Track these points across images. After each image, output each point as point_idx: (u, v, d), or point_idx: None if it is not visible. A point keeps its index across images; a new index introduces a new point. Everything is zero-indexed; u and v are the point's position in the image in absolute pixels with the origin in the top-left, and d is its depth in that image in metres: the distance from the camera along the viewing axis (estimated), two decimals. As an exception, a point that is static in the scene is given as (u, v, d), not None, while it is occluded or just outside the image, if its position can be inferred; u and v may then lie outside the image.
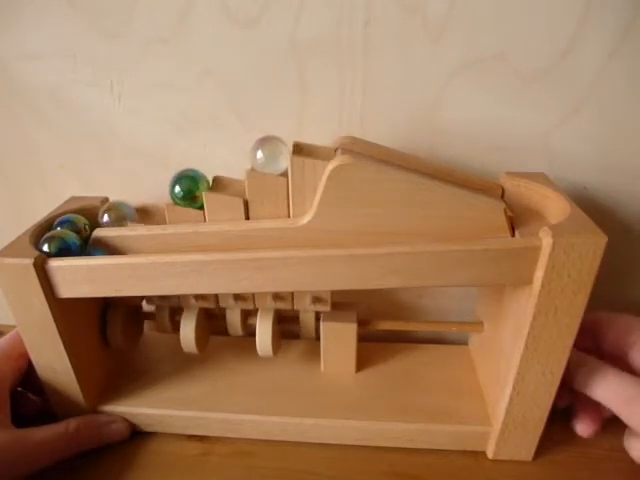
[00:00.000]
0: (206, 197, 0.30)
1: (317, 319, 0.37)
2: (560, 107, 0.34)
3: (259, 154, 0.29)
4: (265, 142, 0.29)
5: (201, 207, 0.30)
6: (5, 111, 0.38)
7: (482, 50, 0.32)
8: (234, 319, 0.36)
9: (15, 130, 0.39)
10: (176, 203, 0.31)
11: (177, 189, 0.31)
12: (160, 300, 0.36)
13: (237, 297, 0.35)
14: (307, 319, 0.36)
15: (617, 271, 0.39)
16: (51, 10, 0.34)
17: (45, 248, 0.30)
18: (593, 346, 0.33)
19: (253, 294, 0.35)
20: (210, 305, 0.35)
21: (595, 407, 0.32)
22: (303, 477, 0.33)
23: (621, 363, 0.31)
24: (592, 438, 0.34)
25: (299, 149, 0.30)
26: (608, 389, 0.29)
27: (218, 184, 0.31)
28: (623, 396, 0.29)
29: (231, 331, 0.37)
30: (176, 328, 0.36)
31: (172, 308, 0.37)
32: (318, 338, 0.37)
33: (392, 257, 0.28)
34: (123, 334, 0.37)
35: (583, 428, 0.33)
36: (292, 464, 0.34)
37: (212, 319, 0.38)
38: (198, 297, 0.35)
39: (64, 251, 0.31)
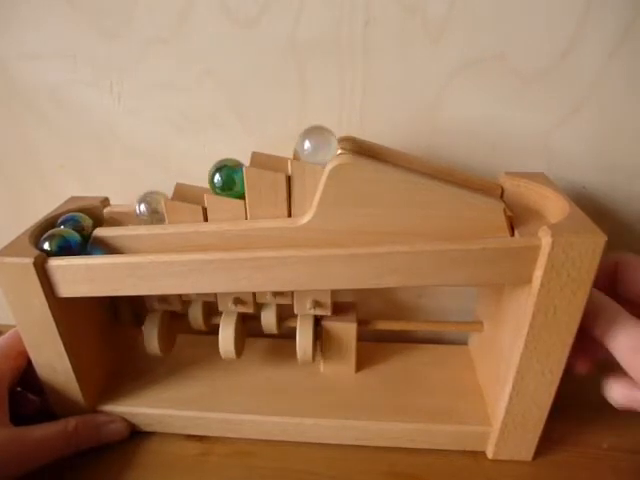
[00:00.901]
0: (206, 197, 0.30)
1: (316, 321, 0.37)
2: (560, 107, 0.34)
3: (307, 144, 0.29)
4: (312, 133, 0.29)
5: (241, 196, 0.30)
6: (5, 111, 0.38)
7: (482, 50, 0.32)
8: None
9: (15, 130, 0.39)
10: (216, 193, 0.30)
11: (217, 178, 0.30)
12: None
13: (237, 301, 0.35)
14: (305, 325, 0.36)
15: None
16: (51, 10, 0.34)
17: (46, 246, 0.30)
18: (614, 287, 0.31)
19: (253, 293, 0.35)
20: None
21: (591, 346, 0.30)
22: (303, 477, 0.33)
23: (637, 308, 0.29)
24: (591, 437, 0.34)
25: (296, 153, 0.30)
26: (620, 335, 0.27)
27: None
28: (629, 341, 0.27)
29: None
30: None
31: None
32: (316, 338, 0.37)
33: (391, 256, 0.28)
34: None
35: (579, 366, 0.31)
36: (292, 464, 0.34)
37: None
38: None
39: (65, 249, 0.31)
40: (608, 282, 0.31)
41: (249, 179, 0.29)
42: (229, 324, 0.35)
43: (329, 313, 0.35)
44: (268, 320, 0.36)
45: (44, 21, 0.34)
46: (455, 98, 0.34)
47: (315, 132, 0.29)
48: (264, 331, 0.37)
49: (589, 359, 0.31)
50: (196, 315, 0.36)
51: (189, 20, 0.33)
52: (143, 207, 0.32)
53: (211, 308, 0.37)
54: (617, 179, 0.36)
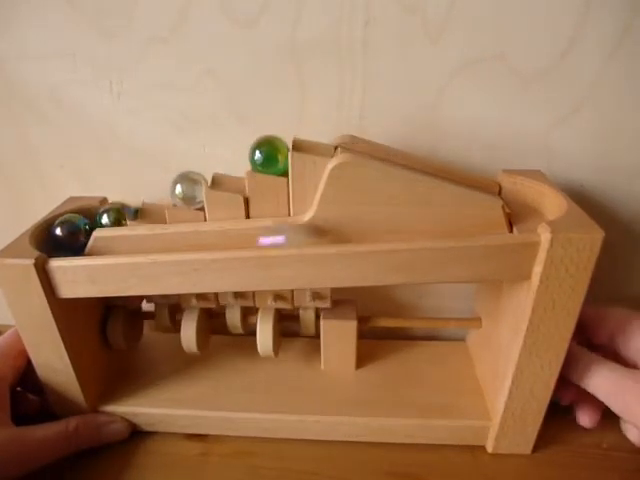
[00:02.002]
0: (206, 195, 0.30)
1: (317, 317, 0.37)
2: (559, 107, 0.34)
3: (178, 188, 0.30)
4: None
5: (284, 173, 0.29)
6: (5, 111, 0.38)
7: (482, 50, 0.33)
8: (234, 318, 0.36)
9: (14, 130, 0.38)
10: (258, 170, 0.30)
11: (257, 155, 0.29)
12: (160, 299, 0.36)
13: (238, 295, 0.35)
14: (307, 317, 0.37)
15: (615, 269, 0.40)
16: (50, 10, 0.34)
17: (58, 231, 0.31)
18: (584, 340, 0.33)
19: (253, 292, 0.35)
20: (210, 305, 0.35)
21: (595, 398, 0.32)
22: (303, 477, 0.33)
23: (614, 357, 0.31)
24: (591, 437, 0.34)
25: (299, 146, 0.30)
26: (599, 381, 0.30)
27: (218, 182, 0.31)
28: (610, 385, 0.29)
29: (231, 329, 0.37)
30: (177, 327, 0.36)
31: (172, 307, 0.37)
32: (318, 336, 0.37)
33: (392, 254, 0.28)
34: (124, 334, 0.36)
35: (585, 419, 0.33)
36: (292, 463, 0.34)
37: (212, 318, 0.38)
38: (199, 297, 0.35)
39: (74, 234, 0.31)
40: (580, 336, 0.33)
41: (251, 182, 0.29)
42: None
43: (329, 305, 0.36)
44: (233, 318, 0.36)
45: (44, 21, 0.34)
46: (455, 98, 0.34)
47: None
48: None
49: (573, 394, 0.33)
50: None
51: (189, 20, 0.33)
52: (179, 189, 0.31)
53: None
54: (616, 179, 0.36)
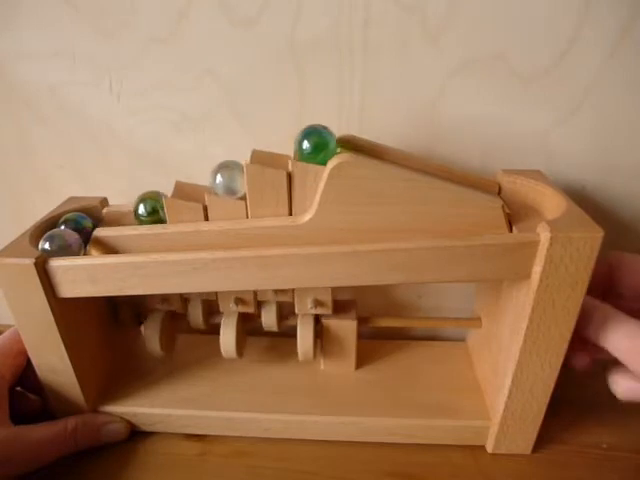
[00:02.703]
0: (206, 196, 0.30)
1: (316, 319, 0.37)
2: (559, 107, 0.34)
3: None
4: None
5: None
6: (4, 111, 0.38)
7: (481, 50, 0.33)
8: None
9: (14, 130, 0.38)
10: (305, 160, 0.29)
11: (305, 144, 0.29)
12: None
13: (238, 301, 0.35)
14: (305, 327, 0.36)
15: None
16: (49, 10, 0.34)
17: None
18: (609, 287, 0.32)
19: (254, 292, 0.35)
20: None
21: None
22: (303, 477, 0.33)
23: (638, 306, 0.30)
24: (591, 437, 0.34)
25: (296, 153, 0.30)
26: (616, 336, 0.28)
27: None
28: (627, 340, 0.27)
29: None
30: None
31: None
32: (317, 336, 0.37)
33: (392, 253, 0.28)
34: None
35: (578, 360, 0.32)
36: (292, 464, 0.34)
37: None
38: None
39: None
40: (603, 283, 0.31)
41: (250, 176, 0.29)
42: (230, 325, 0.35)
43: (330, 312, 0.36)
44: (269, 318, 0.36)
45: (43, 21, 0.34)
46: (454, 98, 0.34)
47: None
48: (264, 329, 0.37)
49: (588, 355, 0.32)
50: (196, 314, 0.36)
51: (188, 20, 0.33)
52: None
53: (211, 307, 0.37)
54: (616, 179, 0.37)
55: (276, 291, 0.35)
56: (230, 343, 0.35)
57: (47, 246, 0.30)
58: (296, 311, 0.36)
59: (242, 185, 0.30)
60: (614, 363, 0.29)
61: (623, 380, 0.29)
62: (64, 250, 0.30)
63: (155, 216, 0.31)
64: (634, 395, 0.29)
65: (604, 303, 0.29)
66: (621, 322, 0.28)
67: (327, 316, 0.37)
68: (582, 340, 0.30)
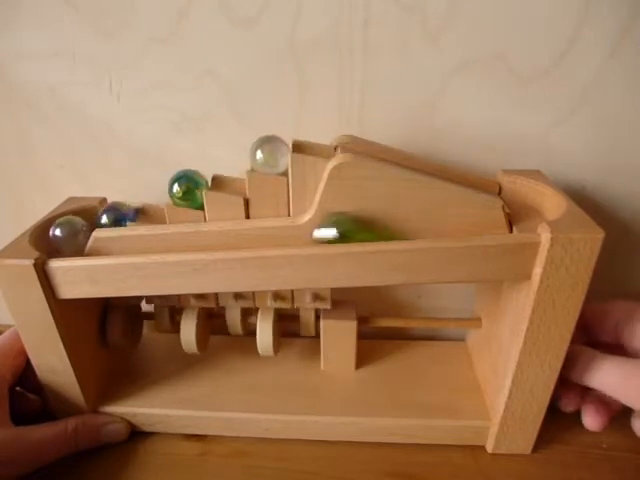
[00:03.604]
0: (206, 196, 0.30)
1: (317, 317, 0.37)
2: (559, 107, 0.34)
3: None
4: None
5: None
6: (4, 111, 0.38)
7: (481, 50, 0.33)
8: (234, 318, 0.36)
9: (14, 130, 0.38)
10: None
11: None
12: (160, 300, 0.36)
13: (237, 296, 0.35)
14: (307, 317, 0.37)
15: (614, 269, 0.40)
16: (50, 10, 0.34)
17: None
18: (588, 339, 0.33)
19: (253, 292, 0.35)
20: (210, 304, 0.35)
21: (602, 400, 0.32)
22: (303, 477, 0.33)
23: (621, 351, 0.31)
24: (591, 437, 0.34)
25: (298, 147, 0.30)
26: (604, 374, 0.29)
27: (218, 183, 0.31)
28: (618, 376, 0.29)
29: (231, 330, 0.37)
30: (176, 328, 0.36)
31: (172, 307, 0.37)
32: (318, 336, 0.37)
33: (392, 254, 0.28)
34: (123, 334, 0.36)
35: (591, 421, 0.32)
36: (291, 464, 0.34)
37: (212, 318, 0.38)
38: (198, 297, 0.35)
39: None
40: (584, 335, 0.33)
41: (251, 182, 0.29)
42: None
43: (329, 306, 0.36)
44: (233, 319, 0.36)
45: (43, 21, 0.34)
46: (454, 98, 0.34)
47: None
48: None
49: (576, 398, 0.33)
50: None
51: (188, 20, 0.33)
52: (260, 154, 0.29)
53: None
54: (616, 179, 0.36)
55: (275, 296, 0.35)
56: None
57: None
58: (295, 306, 0.36)
59: (285, 160, 0.29)
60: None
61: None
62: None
63: (190, 199, 0.30)
64: None
65: (587, 347, 0.31)
66: (606, 360, 0.29)
67: (327, 316, 0.37)
68: (569, 384, 0.31)
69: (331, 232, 0.28)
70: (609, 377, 0.29)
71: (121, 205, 0.33)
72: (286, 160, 0.29)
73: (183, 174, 0.31)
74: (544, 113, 0.35)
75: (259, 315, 0.36)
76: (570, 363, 0.30)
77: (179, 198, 0.30)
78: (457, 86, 0.34)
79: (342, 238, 0.28)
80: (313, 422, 0.35)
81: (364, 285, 0.29)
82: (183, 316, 0.36)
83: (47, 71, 0.36)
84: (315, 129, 0.36)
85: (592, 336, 0.33)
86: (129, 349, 0.39)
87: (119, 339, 0.36)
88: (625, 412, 0.35)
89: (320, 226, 0.29)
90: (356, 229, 0.28)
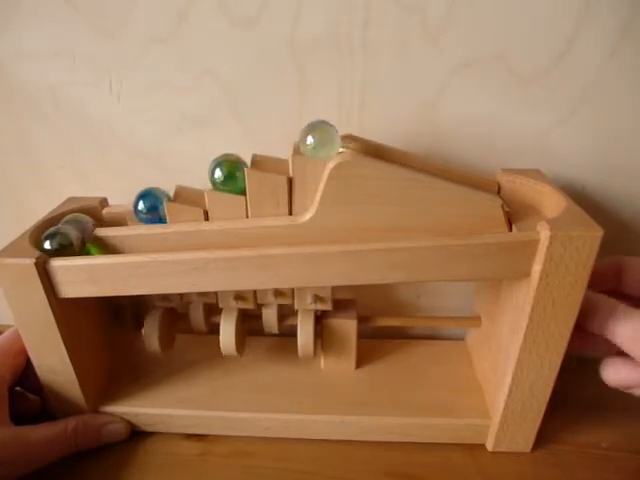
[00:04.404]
0: (206, 196, 0.30)
1: (316, 317, 0.37)
2: (559, 107, 0.34)
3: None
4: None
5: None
6: (4, 111, 0.38)
7: (481, 50, 0.33)
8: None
9: (14, 130, 0.38)
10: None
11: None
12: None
13: (277, 293, 0.35)
14: (305, 318, 0.36)
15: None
16: (49, 9, 0.34)
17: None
18: (613, 289, 0.31)
19: (254, 292, 0.35)
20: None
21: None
22: (303, 477, 0.33)
23: None
24: (590, 436, 0.34)
25: (299, 149, 0.30)
26: (622, 325, 0.28)
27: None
28: (633, 330, 0.27)
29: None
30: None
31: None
32: (317, 335, 0.38)
33: (393, 252, 0.28)
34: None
35: (610, 372, 0.30)
36: (291, 464, 0.34)
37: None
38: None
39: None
40: (609, 284, 0.32)
41: (250, 181, 0.29)
42: (230, 320, 0.35)
43: (330, 308, 0.36)
44: (269, 319, 0.36)
45: (42, 21, 0.34)
46: (454, 97, 0.35)
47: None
48: (265, 330, 0.37)
49: (583, 343, 0.31)
50: (197, 316, 0.36)
51: (188, 20, 0.33)
52: (311, 138, 0.28)
53: (211, 308, 0.37)
54: (616, 179, 0.37)
55: (276, 294, 0.35)
56: (230, 339, 0.35)
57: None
58: (295, 307, 0.36)
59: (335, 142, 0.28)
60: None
61: (615, 366, 0.29)
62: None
63: (232, 183, 0.30)
64: (626, 382, 0.29)
65: (608, 297, 0.29)
66: (628, 314, 0.28)
67: (327, 315, 0.37)
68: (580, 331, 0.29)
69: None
70: (627, 331, 0.27)
71: (157, 190, 0.32)
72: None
73: (224, 159, 0.30)
74: (544, 113, 0.35)
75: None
76: (589, 312, 0.29)
77: (221, 183, 0.30)
78: (457, 86, 0.34)
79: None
80: (313, 421, 0.35)
81: (364, 283, 0.29)
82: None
83: (47, 71, 0.36)
84: (315, 129, 0.36)
85: (613, 287, 0.32)
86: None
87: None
88: (625, 411, 0.36)
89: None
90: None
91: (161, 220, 0.31)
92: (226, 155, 0.30)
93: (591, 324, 0.29)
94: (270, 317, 0.36)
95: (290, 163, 0.28)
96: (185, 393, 0.37)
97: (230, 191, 0.30)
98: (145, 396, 0.37)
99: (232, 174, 0.30)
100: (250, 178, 0.29)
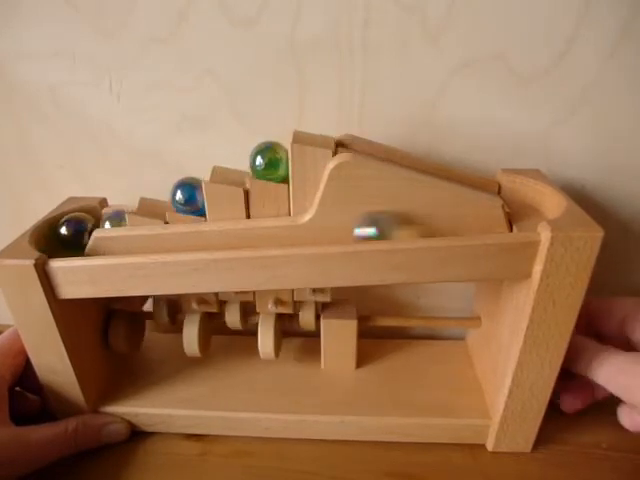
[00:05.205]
0: (206, 188, 0.30)
1: (317, 316, 0.37)
2: (559, 107, 0.34)
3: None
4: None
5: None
6: (4, 111, 0.38)
7: (481, 50, 0.33)
8: (234, 316, 0.36)
9: (14, 130, 0.38)
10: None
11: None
12: (159, 296, 0.36)
13: (238, 292, 0.35)
14: (307, 315, 0.37)
15: (614, 268, 0.40)
16: (49, 9, 0.34)
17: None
18: (592, 332, 0.33)
19: (254, 293, 0.35)
20: (212, 309, 0.36)
21: (583, 387, 0.32)
22: (302, 477, 0.33)
23: (625, 347, 0.30)
24: (591, 436, 0.35)
25: (298, 138, 0.29)
26: (609, 369, 0.29)
27: (217, 175, 0.31)
28: (620, 373, 0.29)
29: (231, 326, 0.37)
30: (176, 327, 0.36)
31: (171, 306, 0.37)
32: (318, 335, 0.37)
33: (393, 253, 0.28)
34: (126, 338, 0.36)
35: (568, 404, 0.33)
36: (291, 464, 0.34)
37: (212, 318, 0.38)
38: (200, 301, 0.35)
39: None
40: (589, 328, 0.33)
41: (251, 181, 0.29)
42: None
43: (329, 299, 0.36)
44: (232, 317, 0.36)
45: (42, 20, 0.34)
46: (454, 97, 0.34)
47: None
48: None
49: (578, 399, 0.33)
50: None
51: (188, 20, 0.33)
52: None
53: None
54: (616, 179, 0.37)
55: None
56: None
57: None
58: (294, 298, 0.36)
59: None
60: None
61: (624, 413, 0.31)
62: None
63: (272, 172, 0.29)
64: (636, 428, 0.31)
65: (592, 340, 0.31)
66: (612, 356, 0.29)
67: (327, 315, 0.37)
68: (571, 381, 0.31)
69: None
70: (614, 375, 0.29)
71: (195, 180, 0.31)
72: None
73: (265, 146, 0.30)
74: (544, 113, 0.35)
75: (260, 319, 0.36)
76: (575, 355, 0.30)
77: (263, 169, 0.29)
78: (457, 86, 0.34)
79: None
80: (313, 421, 0.35)
81: (364, 284, 0.29)
82: (185, 320, 0.36)
83: (47, 71, 0.36)
84: (315, 129, 0.35)
85: (597, 329, 0.33)
86: (132, 353, 0.39)
87: (122, 343, 0.36)
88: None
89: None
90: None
91: (201, 211, 0.31)
92: (267, 142, 0.30)
93: (579, 367, 0.30)
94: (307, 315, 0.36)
95: (290, 156, 0.28)
96: (185, 393, 0.37)
97: (271, 179, 0.29)
98: (145, 396, 0.37)
99: (274, 161, 0.29)
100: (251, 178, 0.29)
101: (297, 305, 0.37)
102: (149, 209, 0.32)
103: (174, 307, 0.37)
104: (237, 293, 0.35)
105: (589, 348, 0.30)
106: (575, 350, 0.30)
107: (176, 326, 0.37)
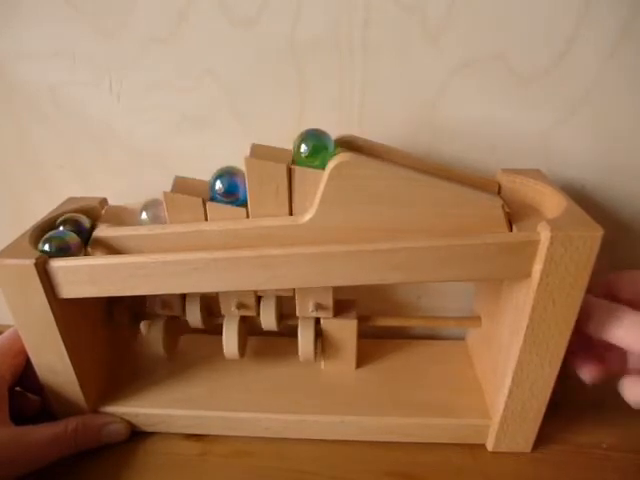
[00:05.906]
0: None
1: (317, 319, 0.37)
2: (559, 107, 0.34)
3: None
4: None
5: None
6: (4, 111, 0.38)
7: (481, 50, 0.33)
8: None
9: (14, 130, 0.38)
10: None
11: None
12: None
13: (240, 305, 0.35)
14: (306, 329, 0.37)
15: (615, 269, 0.40)
16: (49, 9, 0.34)
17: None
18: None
19: (255, 293, 0.35)
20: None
21: (600, 355, 0.31)
22: (302, 477, 0.33)
23: None
24: (591, 436, 0.34)
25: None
26: (623, 327, 0.28)
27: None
28: (635, 331, 0.27)
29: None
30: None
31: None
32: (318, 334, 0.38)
33: (393, 253, 0.28)
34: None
35: (587, 372, 0.31)
36: (291, 464, 0.34)
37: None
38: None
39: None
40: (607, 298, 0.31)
41: (250, 170, 0.29)
42: (232, 326, 0.35)
43: (331, 316, 0.36)
44: (268, 317, 0.36)
45: (42, 21, 0.34)
46: (454, 97, 0.35)
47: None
48: (264, 328, 0.37)
49: (597, 367, 0.31)
50: (195, 314, 0.36)
51: (188, 20, 0.33)
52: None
53: (210, 306, 0.37)
54: (616, 179, 0.37)
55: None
56: (232, 344, 0.35)
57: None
58: (297, 314, 0.36)
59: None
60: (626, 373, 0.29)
61: (635, 386, 0.29)
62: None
63: (316, 159, 0.29)
64: None
65: (606, 300, 0.29)
66: (624, 313, 0.28)
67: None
68: (588, 348, 0.30)
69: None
70: (629, 333, 0.28)
71: (236, 169, 0.31)
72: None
73: (308, 134, 0.29)
74: (544, 113, 0.35)
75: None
76: (589, 316, 0.29)
77: (306, 157, 0.29)
78: (457, 86, 0.34)
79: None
80: (313, 421, 0.35)
81: (365, 284, 0.29)
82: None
83: (47, 71, 0.36)
84: (315, 129, 0.36)
85: (614, 295, 0.31)
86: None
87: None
88: (625, 411, 0.35)
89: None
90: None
91: (242, 200, 0.30)
92: (312, 130, 0.30)
93: (590, 328, 0.29)
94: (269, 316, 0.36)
95: (290, 163, 0.28)
96: (185, 393, 0.37)
97: (315, 166, 0.29)
98: (145, 396, 0.37)
99: (318, 148, 0.29)
100: (249, 166, 0.29)
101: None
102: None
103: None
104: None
105: (602, 306, 0.29)
106: (588, 310, 0.28)
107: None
